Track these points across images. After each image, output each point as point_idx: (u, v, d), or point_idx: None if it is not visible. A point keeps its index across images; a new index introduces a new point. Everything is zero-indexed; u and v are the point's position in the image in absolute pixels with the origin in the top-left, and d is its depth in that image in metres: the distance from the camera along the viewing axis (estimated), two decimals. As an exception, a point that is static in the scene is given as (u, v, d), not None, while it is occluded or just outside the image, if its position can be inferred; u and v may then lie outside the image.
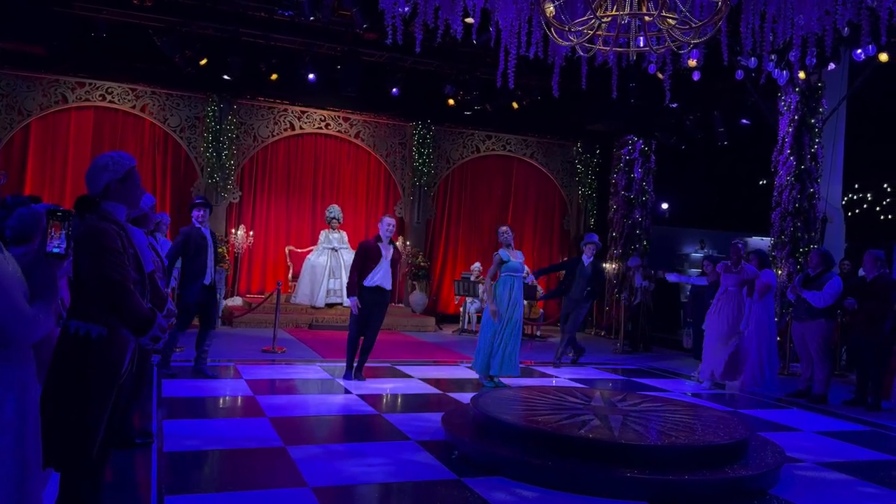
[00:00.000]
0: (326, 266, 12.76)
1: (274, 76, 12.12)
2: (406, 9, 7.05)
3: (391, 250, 7.64)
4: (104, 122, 12.65)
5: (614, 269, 14.40)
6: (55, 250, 2.31)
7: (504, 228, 8.18)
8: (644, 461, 4.46)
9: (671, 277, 10.03)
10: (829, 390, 7.90)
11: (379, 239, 7.62)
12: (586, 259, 9.52)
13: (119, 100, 12.65)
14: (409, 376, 8.22)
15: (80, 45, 11.26)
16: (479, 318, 13.40)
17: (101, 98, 12.53)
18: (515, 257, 7.95)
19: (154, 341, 3.09)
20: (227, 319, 11.95)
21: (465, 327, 13.18)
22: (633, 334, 12.06)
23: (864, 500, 4.51)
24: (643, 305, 12.00)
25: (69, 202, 11.33)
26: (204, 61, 11.53)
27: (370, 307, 7.50)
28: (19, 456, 2.21)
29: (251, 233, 13.34)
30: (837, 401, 7.88)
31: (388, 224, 7.65)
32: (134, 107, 12.75)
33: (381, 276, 7.51)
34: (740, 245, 8.49)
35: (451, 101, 13.06)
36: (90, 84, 12.46)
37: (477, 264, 13.63)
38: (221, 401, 6.62)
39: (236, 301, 12.83)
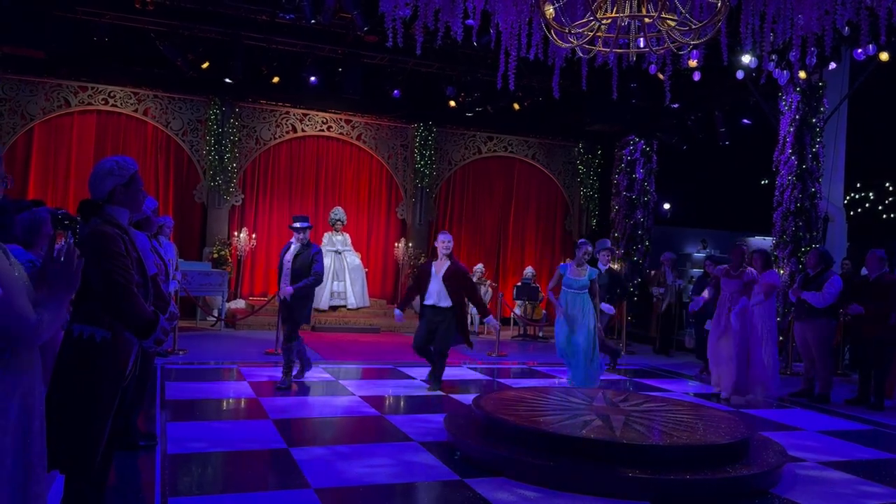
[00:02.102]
0: (330, 268, 12.76)
1: (275, 79, 12.17)
2: (406, 11, 7.06)
3: (445, 266, 7.42)
4: (107, 125, 12.70)
5: (617, 269, 14.38)
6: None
7: (583, 245, 7.94)
8: (646, 461, 4.47)
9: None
10: (831, 389, 7.90)
11: (435, 256, 7.62)
12: (602, 266, 9.32)
13: (121, 103, 12.69)
14: (412, 377, 8.23)
15: (83, 50, 11.31)
16: (481, 321, 13.41)
17: (103, 102, 12.57)
18: (578, 274, 7.73)
19: (157, 344, 3.11)
20: (229, 322, 11.98)
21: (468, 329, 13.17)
22: (665, 338, 11.87)
23: (866, 500, 4.50)
24: (672, 305, 11.77)
25: (72, 206, 11.37)
26: (206, 64, 11.58)
27: (429, 323, 7.46)
28: (23, 459, 2.23)
29: (254, 235, 13.38)
30: (840, 400, 7.88)
31: (440, 240, 7.52)
32: (136, 110, 12.79)
33: (434, 294, 7.39)
34: (744, 247, 8.15)
35: (452, 103, 13.09)
36: (92, 88, 12.50)
37: (479, 266, 13.64)
38: (224, 403, 6.64)
39: (239, 303, 12.87)
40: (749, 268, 7.81)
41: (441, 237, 7.55)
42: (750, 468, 4.61)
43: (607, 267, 9.24)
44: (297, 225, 7.36)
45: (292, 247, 7.39)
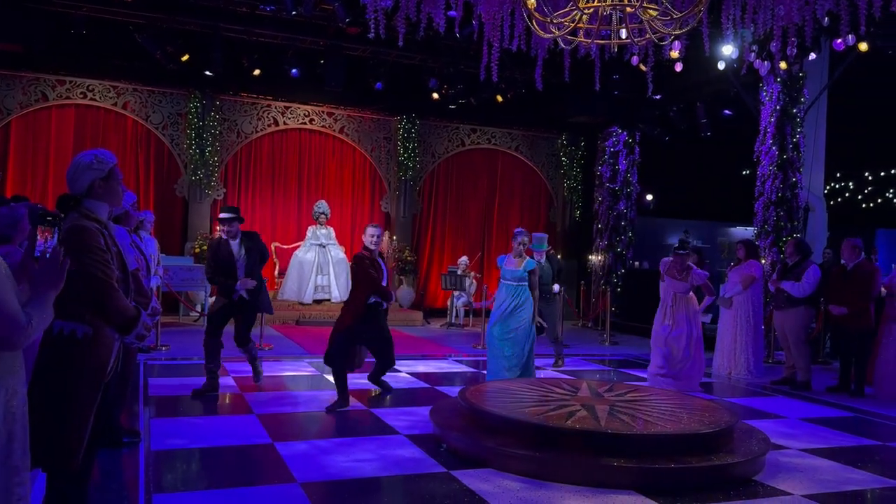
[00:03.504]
0: (314, 262, 12.73)
1: (256, 71, 12.07)
2: (388, 2, 7.03)
3: (381, 261, 6.66)
4: (85, 119, 12.54)
5: (600, 260, 14.46)
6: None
7: (518, 235, 7.38)
8: (631, 450, 4.49)
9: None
10: (811, 377, 7.99)
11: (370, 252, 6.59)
12: (541, 259, 8.93)
13: (100, 97, 12.54)
14: (397, 371, 8.21)
15: (60, 43, 11.15)
16: (466, 312, 13.43)
17: (81, 96, 12.41)
18: (515, 265, 7.24)
19: (139, 339, 3.09)
20: (213, 317, 11.89)
21: (453, 321, 13.19)
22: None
23: (849, 486, 4.55)
24: None
25: (51, 200, 11.23)
26: (185, 57, 11.45)
27: (380, 329, 6.68)
28: (5, 463, 2.21)
29: (236, 229, 13.28)
30: (821, 387, 7.96)
31: (371, 233, 6.54)
32: (115, 104, 12.64)
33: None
34: (691, 243, 7.91)
35: (435, 95, 13.05)
36: (71, 82, 12.33)
37: (464, 258, 13.64)
38: (209, 398, 6.59)
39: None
40: (695, 269, 7.72)
41: (371, 230, 6.55)
42: (734, 456, 4.65)
43: (544, 257, 8.92)
44: (224, 216, 6.68)
45: (232, 242, 6.67)
